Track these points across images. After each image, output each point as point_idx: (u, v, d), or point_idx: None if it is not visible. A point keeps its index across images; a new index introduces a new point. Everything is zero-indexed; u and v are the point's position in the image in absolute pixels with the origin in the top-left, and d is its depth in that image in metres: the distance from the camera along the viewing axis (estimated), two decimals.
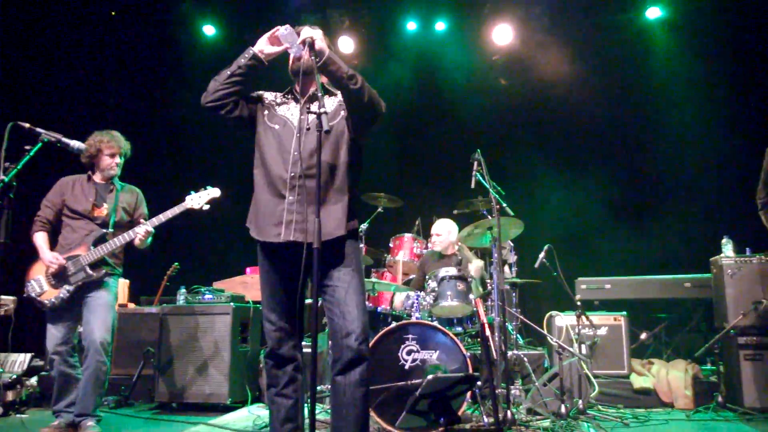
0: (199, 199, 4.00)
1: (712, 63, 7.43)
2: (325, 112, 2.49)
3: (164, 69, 8.22)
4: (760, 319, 4.74)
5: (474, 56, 7.96)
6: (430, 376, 2.42)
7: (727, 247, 5.07)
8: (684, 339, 6.01)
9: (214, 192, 4.02)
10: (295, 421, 2.84)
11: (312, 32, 2.70)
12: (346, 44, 7.77)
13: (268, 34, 2.84)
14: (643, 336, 5.97)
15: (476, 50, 7.94)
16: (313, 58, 2.65)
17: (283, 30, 2.73)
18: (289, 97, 2.99)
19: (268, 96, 3.01)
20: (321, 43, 2.70)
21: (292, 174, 2.76)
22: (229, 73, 2.83)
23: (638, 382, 5.07)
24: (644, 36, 7.73)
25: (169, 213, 4.02)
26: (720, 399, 4.79)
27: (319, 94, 2.55)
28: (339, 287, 2.74)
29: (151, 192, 4.59)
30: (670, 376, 5.06)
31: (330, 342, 2.84)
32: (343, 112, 2.88)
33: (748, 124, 7.41)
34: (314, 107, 2.56)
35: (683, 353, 5.77)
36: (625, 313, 5.38)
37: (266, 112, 2.94)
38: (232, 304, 5.03)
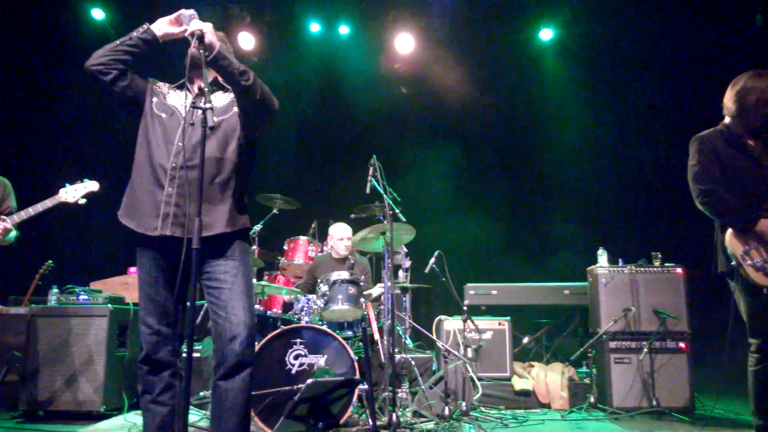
0: (74, 192, 3.73)
1: (597, 83, 8.01)
2: (211, 108, 2.39)
3: (44, 52, 7.60)
4: (629, 326, 5.10)
5: (376, 62, 8.04)
6: (309, 380, 2.39)
7: (602, 258, 5.43)
8: (562, 343, 6.35)
9: (91, 185, 3.77)
10: (169, 430, 2.70)
11: (201, 25, 2.60)
12: (246, 40, 7.57)
13: (171, 15, 2.75)
14: (526, 340, 6.25)
15: (379, 57, 8.03)
16: (202, 51, 2.55)
17: (186, 12, 2.65)
18: (182, 88, 2.88)
19: (160, 84, 2.90)
20: (211, 36, 2.60)
21: (173, 165, 2.64)
22: (118, 42, 2.73)
23: (519, 384, 5.30)
24: (537, 55, 8.17)
25: (40, 206, 3.72)
26: (592, 399, 5.11)
27: (206, 89, 2.46)
28: (225, 289, 2.65)
29: (24, 183, 4.24)
30: (548, 379, 5.33)
31: (214, 345, 2.72)
32: (235, 108, 2.80)
33: (625, 145, 8.07)
34: (201, 103, 2.45)
35: (561, 357, 6.09)
36: (509, 318, 5.61)
37: (155, 99, 2.81)
38: (109, 305, 4.73)
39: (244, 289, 2.68)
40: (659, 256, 5.32)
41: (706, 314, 5.69)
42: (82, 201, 3.75)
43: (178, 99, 2.82)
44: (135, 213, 2.68)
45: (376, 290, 5.11)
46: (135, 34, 2.74)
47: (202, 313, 5.22)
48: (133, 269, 5.78)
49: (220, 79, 2.85)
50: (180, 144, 2.66)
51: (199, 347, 4.85)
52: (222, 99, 2.84)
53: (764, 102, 3.27)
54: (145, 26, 2.75)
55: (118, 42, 2.72)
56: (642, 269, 5.24)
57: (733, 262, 3.29)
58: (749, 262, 3.22)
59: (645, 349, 4.99)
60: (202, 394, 4.58)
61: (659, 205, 7.84)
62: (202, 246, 2.39)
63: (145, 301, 2.70)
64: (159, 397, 2.69)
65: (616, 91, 8.07)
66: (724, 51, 7.41)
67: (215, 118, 2.48)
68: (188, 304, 2.39)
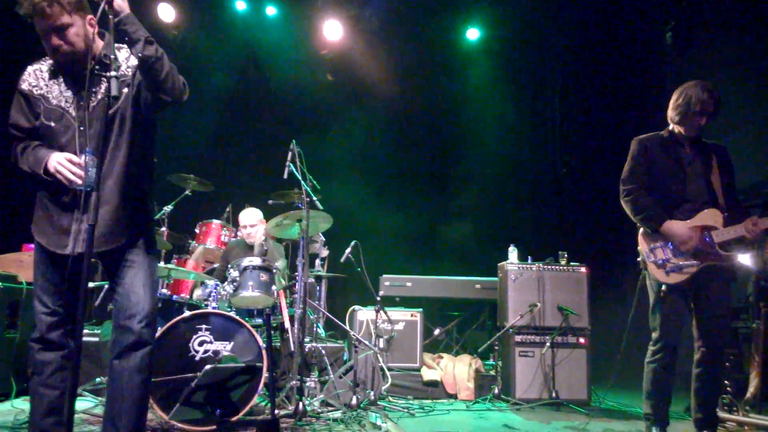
0: None
1: (518, 86, 8.26)
2: (116, 77, 2.24)
3: None
4: (534, 320, 5.30)
5: (303, 47, 7.90)
6: (207, 367, 2.29)
7: (513, 255, 5.60)
8: (472, 336, 6.52)
9: None
10: (58, 414, 2.57)
11: None
12: (166, 12, 7.20)
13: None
14: (437, 332, 6.37)
15: (306, 42, 7.89)
16: (111, 17, 2.38)
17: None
18: (62, 74, 2.56)
19: (33, 82, 2.56)
20: (121, 1, 2.44)
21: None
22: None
23: (427, 374, 5.39)
24: (464, 54, 8.31)
25: None
26: (496, 391, 5.27)
27: (111, 56, 2.28)
28: (126, 267, 2.58)
29: None
30: (456, 370, 5.45)
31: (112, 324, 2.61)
32: (126, 90, 2.57)
33: (541, 148, 8.38)
34: (110, 80, 2.25)
35: (470, 349, 6.25)
36: (421, 309, 5.68)
37: (41, 107, 2.53)
38: None
39: (147, 269, 2.61)
40: (565, 255, 5.55)
41: (605, 312, 6.00)
42: None
43: (60, 93, 2.55)
44: (49, 233, 2.55)
45: (281, 263, 5.01)
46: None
47: (101, 294, 4.96)
48: (30, 245, 5.40)
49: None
50: (84, 156, 2.42)
51: (98, 331, 4.61)
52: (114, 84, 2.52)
53: (698, 112, 3.45)
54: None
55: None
56: (549, 267, 5.46)
57: (640, 258, 3.57)
58: (653, 258, 3.49)
59: (548, 344, 5.20)
60: (98, 380, 4.35)
61: (569, 207, 8.22)
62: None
63: (42, 280, 2.60)
64: (49, 379, 2.58)
65: (535, 94, 8.36)
66: (637, 64, 7.85)
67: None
68: (92, 285, 2.28)
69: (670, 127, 3.64)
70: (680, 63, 7.13)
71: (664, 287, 3.43)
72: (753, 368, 4.35)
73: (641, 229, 3.60)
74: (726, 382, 4.32)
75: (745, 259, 5.38)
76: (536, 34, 7.98)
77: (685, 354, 3.59)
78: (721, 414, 4.14)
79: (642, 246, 3.58)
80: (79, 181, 2.38)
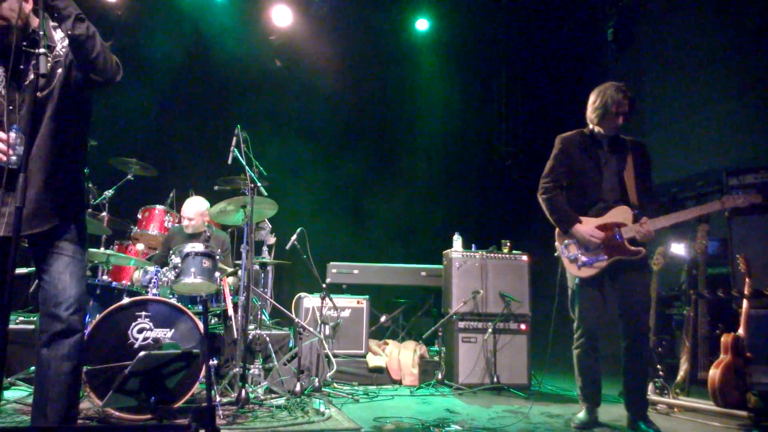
0: None
1: (465, 77, 8.38)
2: (45, 54, 2.16)
3: None
4: (477, 307, 5.42)
5: (252, 31, 7.79)
6: (141, 353, 2.27)
7: (457, 243, 5.70)
8: (417, 322, 6.61)
9: None
10: None
11: None
12: None
13: None
14: (383, 318, 6.44)
15: (255, 26, 7.78)
16: None
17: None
18: None
19: None
20: None
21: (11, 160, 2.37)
22: None
23: (373, 361, 5.44)
24: (413, 43, 8.36)
25: None
26: (440, 376, 5.37)
27: (41, 33, 2.21)
28: (53, 254, 2.50)
29: None
30: (401, 356, 5.52)
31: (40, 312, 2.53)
32: (60, 70, 2.50)
33: (486, 139, 8.52)
34: (40, 59, 2.16)
35: (415, 335, 6.33)
36: (367, 296, 5.73)
37: None
38: None
39: (75, 255, 2.55)
40: (508, 243, 5.68)
41: (546, 299, 6.17)
42: None
43: None
44: None
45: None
46: None
47: (36, 281, 4.78)
48: None
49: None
50: (10, 133, 2.34)
51: (34, 318, 4.46)
52: (43, 61, 2.41)
53: (615, 113, 3.60)
54: None
55: None
56: (492, 255, 5.58)
57: (556, 253, 3.77)
58: (566, 254, 3.70)
59: (490, 330, 5.33)
60: (32, 368, 4.21)
61: (511, 197, 8.42)
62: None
63: None
64: None
65: (481, 87, 8.51)
66: (579, 59, 8.08)
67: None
68: (22, 270, 2.20)
69: (591, 126, 3.77)
70: (620, 58, 7.40)
71: (577, 280, 3.64)
72: (683, 353, 4.57)
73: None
74: (659, 366, 4.54)
75: (678, 248, 5.64)
76: (483, 29, 8.11)
77: (617, 339, 3.75)
78: (653, 397, 4.33)
79: (557, 242, 3.77)
80: (4, 158, 2.30)
